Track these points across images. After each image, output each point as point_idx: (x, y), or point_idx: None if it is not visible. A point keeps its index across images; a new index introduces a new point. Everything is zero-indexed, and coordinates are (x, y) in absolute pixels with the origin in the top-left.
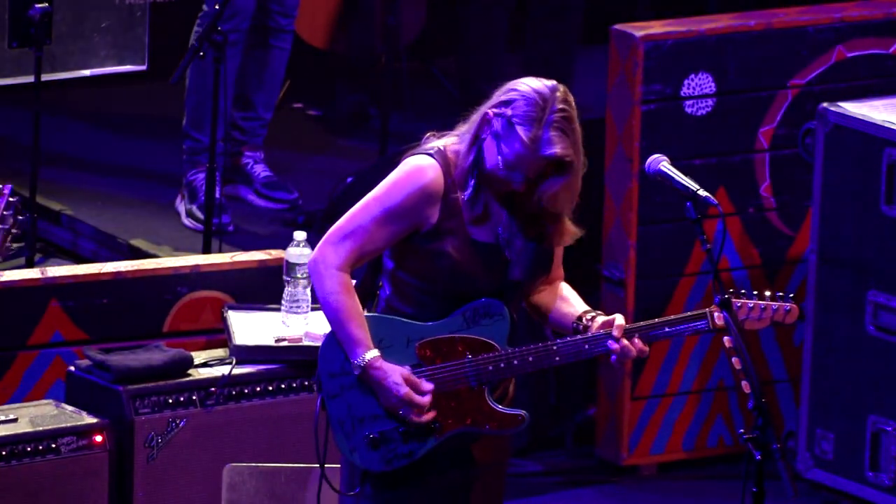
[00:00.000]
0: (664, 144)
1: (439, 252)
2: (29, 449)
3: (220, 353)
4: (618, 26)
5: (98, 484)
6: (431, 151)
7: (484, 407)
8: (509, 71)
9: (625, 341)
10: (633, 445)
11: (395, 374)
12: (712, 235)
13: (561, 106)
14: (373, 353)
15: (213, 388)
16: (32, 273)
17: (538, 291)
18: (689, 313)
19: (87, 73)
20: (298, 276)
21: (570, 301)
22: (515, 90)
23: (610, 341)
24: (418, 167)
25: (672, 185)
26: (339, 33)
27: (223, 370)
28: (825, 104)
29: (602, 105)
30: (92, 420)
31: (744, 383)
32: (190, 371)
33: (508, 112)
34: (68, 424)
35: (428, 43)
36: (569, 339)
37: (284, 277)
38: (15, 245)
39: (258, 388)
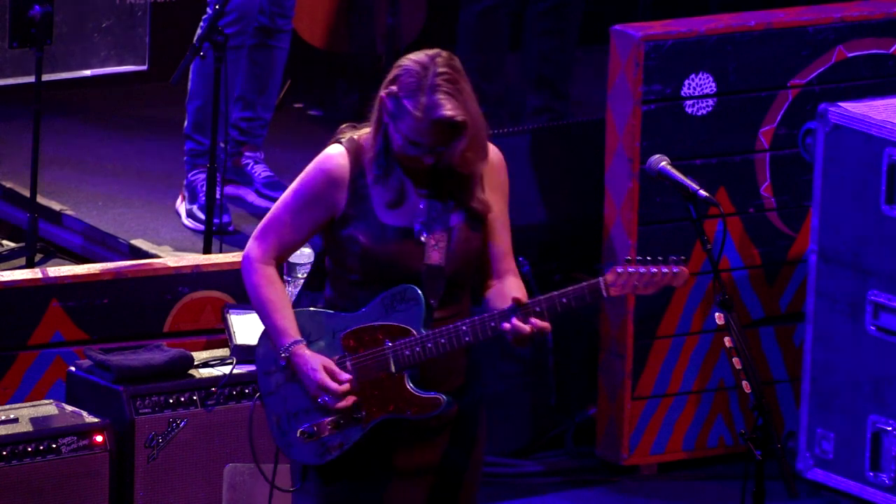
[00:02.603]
0: (665, 144)
1: (351, 238)
2: (30, 449)
3: (220, 353)
4: (618, 26)
5: (99, 484)
6: (342, 139)
7: (405, 393)
8: (509, 71)
9: (516, 321)
10: (634, 445)
11: (315, 361)
12: (713, 235)
13: (442, 69)
14: (296, 341)
15: (213, 388)
16: (33, 273)
17: (488, 287)
18: (583, 283)
19: (87, 73)
20: (299, 275)
21: (506, 295)
22: (399, 66)
23: (503, 322)
24: (325, 155)
25: (673, 185)
26: (340, 33)
27: (224, 370)
28: (825, 104)
29: (602, 105)
30: (92, 420)
31: (744, 383)
32: (191, 371)
33: (395, 89)
34: (69, 424)
35: (428, 43)
36: (476, 318)
37: (285, 277)
38: (15, 245)
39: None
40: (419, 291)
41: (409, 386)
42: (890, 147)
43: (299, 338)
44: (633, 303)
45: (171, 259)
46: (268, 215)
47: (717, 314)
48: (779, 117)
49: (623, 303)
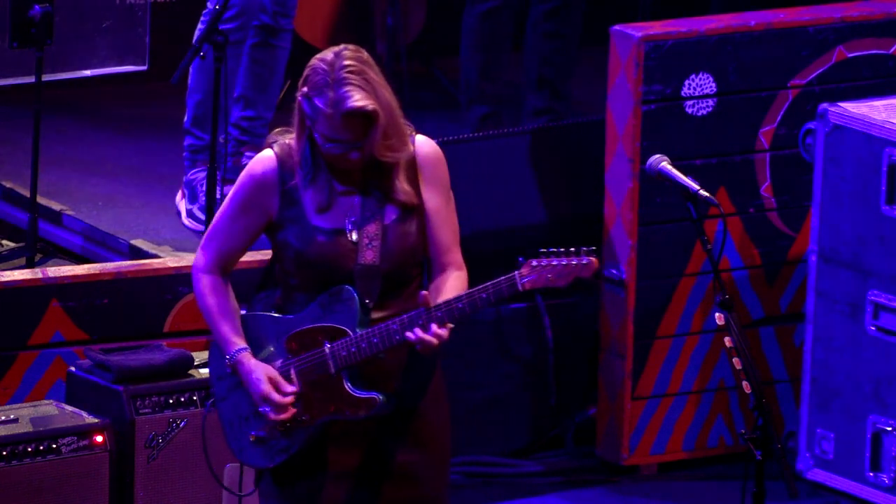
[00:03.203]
0: (665, 145)
1: (285, 242)
2: (30, 449)
3: None
4: (618, 26)
5: (99, 484)
6: (272, 143)
7: (343, 393)
8: (510, 71)
9: (419, 331)
10: (634, 445)
11: (259, 370)
12: (713, 235)
13: (347, 63)
14: (240, 349)
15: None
16: (33, 273)
17: (431, 282)
18: (500, 278)
19: (87, 73)
20: None
21: (445, 292)
22: (308, 66)
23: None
24: (254, 160)
25: (673, 185)
26: (340, 33)
27: None
28: (825, 104)
29: (603, 105)
30: (92, 420)
31: (744, 383)
32: (190, 371)
33: (306, 90)
34: (69, 424)
35: (428, 44)
36: (405, 316)
37: None
38: (15, 245)
39: None
40: (353, 291)
41: (347, 386)
42: (890, 147)
43: (243, 345)
44: (633, 303)
45: (171, 259)
46: (210, 225)
47: (717, 314)
48: (779, 117)
49: (623, 303)
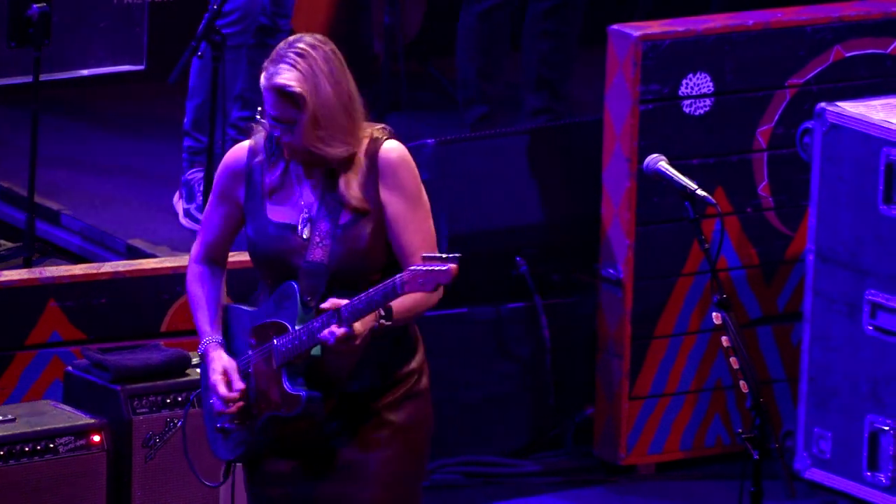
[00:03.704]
0: (662, 144)
1: (247, 235)
2: (27, 449)
3: None
4: (615, 26)
5: (96, 484)
6: (254, 134)
7: (280, 389)
8: (508, 71)
9: (326, 331)
10: (631, 445)
11: (217, 363)
12: (710, 235)
13: (299, 45)
14: (210, 340)
15: None
16: (30, 273)
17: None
18: (390, 279)
19: (85, 72)
20: None
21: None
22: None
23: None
24: (230, 149)
25: (670, 184)
26: (338, 33)
27: None
28: (823, 104)
29: (600, 105)
30: (90, 420)
31: (742, 383)
32: (188, 371)
33: (265, 63)
34: (66, 424)
35: (426, 43)
36: (324, 316)
37: None
38: (12, 245)
39: None
40: (295, 287)
41: (284, 383)
42: (887, 147)
43: (215, 336)
44: (630, 303)
45: (169, 259)
46: None
47: (714, 314)
48: (776, 117)
49: (621, 303)
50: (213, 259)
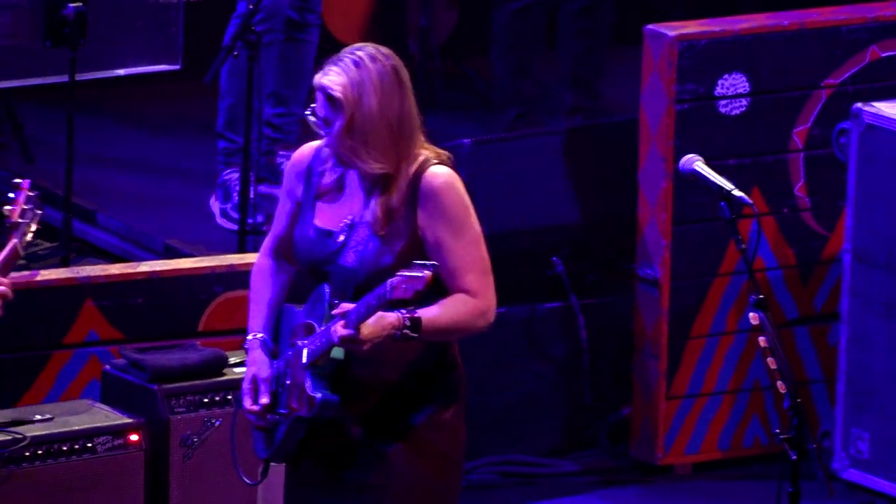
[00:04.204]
0: (698, 144)
1: (292, 235)
2: (65, 448)
3: None
4: (651, 26)
5: (134, 483)
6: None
7: (303, 389)
8: (540, 70)
9: (331, 330)
10: (669, 445)
11: (251, 366)
12: (747, 235)
13: (357, 52)
14: (252, 338)
15: None
16: (67, 273)
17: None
18: (385, 283)
19: (120, 72)
20: None
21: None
22: None
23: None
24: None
25: (706, 184)
26: (372, 32)
27: None
28: (859, 104)
29: (636, 105)
30: (127, 419)
31: (779, 383)
32: (225, 370)
33: None
34: (104, 424)
35: (461, 43)
36: (336, 317)
37: None
38: (49, 245)
39: None
40: (325, 289)
41: (306, 383)
42: None
43: (259, 334)
44: (667, 303)
45: (206, 259)
46: None
47: (751, 314)
48: (812, 117)
49: (657, 303)
50: (280, 252)
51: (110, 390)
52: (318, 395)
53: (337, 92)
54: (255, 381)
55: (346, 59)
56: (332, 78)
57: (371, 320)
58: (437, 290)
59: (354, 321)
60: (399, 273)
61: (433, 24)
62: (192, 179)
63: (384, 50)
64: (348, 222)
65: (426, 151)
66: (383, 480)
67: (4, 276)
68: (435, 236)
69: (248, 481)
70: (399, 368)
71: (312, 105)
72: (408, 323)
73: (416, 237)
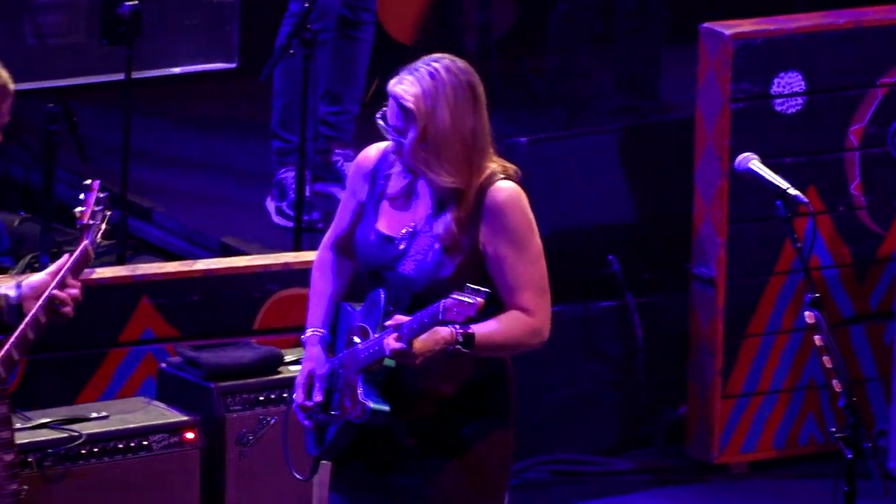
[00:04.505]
0: (754, 143)
1: (357, 235)
2: (121, 446)
3: None
4: (707, 25)
5: (190, 481)
6: None
7: (355, 395)
8: (594, 69)
9: (392, 341)
10: (724, 444)
11: (307, 361)
12: (802, 234)
13: (433, 62)
14: (310, 333)
15: None
16: (123, 270)
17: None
18: (436, 304)
19: (177, 70)
20: None
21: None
22: None
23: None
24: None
25: (762, 183)
26: (428, 30)
27: None
28: None
29: (690, 104)
30: (183, 417)
31: (834, 382)
32: (280, 368)
33: None
34: (160, 421)
35: (518, 40)
36: (389, 328)
37: None
38: (106, 242)
39: None
40: (381, 295)
41: (358, 388)
42: None
43: (316, 331)
44: (722, 301)
45: (261, 256)
46: None
47: (807, 313)
48: (868, 116)
49: (713, 301)
50: (341, 248)
51: (166, 388)
52: (370, 403)
53: (409, 103)
54: (310, 376)
55: (421, 69)
56: (405, 87)
57: (424, 335)
58: (493, 302)
59: (407, 336)
60: (452, 296)
61: (491, 20)
62: (247, 178)
63: (461, 64)
64: (410, 230)
65: (494, 164)
66: (429, 490)
67: (76, 277)
68: (496, 252)
69: (298, 477)
70: (452, 381)
71: (384, 108)
72: (461, 339)
73: (478, 251)
